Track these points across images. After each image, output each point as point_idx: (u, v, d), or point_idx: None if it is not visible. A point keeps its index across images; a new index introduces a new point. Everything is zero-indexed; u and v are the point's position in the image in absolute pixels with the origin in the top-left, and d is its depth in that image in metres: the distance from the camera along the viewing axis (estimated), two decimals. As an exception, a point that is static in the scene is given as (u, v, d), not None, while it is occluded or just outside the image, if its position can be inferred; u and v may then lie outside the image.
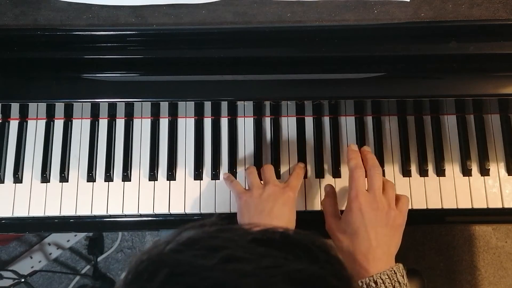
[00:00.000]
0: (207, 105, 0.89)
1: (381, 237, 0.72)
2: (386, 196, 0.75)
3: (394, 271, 0.69)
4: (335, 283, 0.35)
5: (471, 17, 0.71)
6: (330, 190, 0.83)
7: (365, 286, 0.69)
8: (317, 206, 0.87)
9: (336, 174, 0.88)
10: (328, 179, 0.88)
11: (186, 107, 0.89)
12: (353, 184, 0.76)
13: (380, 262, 0.70)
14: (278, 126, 0.90)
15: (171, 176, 0.88)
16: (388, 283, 0.68)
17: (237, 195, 0.83)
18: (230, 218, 0.85)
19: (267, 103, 0.88)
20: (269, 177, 0.83)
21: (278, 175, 0.87)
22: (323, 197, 0.84)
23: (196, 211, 0.87)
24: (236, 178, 0.87)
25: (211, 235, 0.38)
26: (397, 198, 0.77)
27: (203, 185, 0.88)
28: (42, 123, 0.90)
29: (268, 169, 0.84)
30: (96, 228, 0.91)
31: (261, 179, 0.85)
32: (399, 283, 0.69)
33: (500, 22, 0.71)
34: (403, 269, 0.71)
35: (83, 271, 1.59)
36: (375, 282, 0.68)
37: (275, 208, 0.78)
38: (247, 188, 0.85)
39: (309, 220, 0.85)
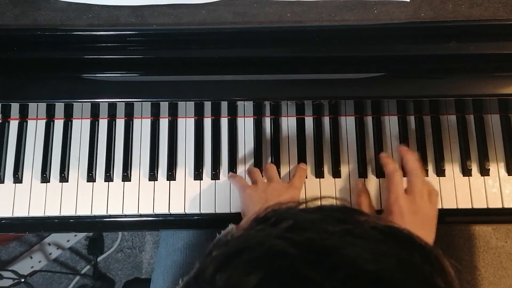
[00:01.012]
0: (207, 105, 0.89)
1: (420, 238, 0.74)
2: (419, 194, 0.77)
3: None
4: (441, 284, 0.36)
5: (471, 17, 0.71)
6: (363, 187, 0.84)
7: None
8: (317, 206, 0.86)
9: (336, 174, 0.88)
10: (328, 179, 0.88)
11: (186, 107, 0.89)
12: (393, 187, 0.77)
13: None
14: (278, 126, 0.90)
15: (171, 176, 0.88)
16: None
17: (240, 188, 0.84)
18: (230, 218, 0.85)
19: (267, 103, 0.88)
20: (273, 176, 0.84)
21: (278, 175, 0.87)
22: (355, 196, 0.85)
23: (196, 211, 0.87)
24: (236, 178, 0.88)
25: (338, 209, 0.40)
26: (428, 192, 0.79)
27: (203, 185, 0.88)
28: (42, 123, 0.90)
29: (271, 168, 0.85)
30: (96, 228, 0.91)
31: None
32: None
33: (500, 22, 0.71)
34: None
35: (83, 271, 1.59)
36: None
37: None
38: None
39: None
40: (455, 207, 0.86)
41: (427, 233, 0.76)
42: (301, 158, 0.88)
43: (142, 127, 0.90)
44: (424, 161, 0.87)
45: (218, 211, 0.86)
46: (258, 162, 0.88)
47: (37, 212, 0.87)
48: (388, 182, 0.79)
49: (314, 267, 0.32)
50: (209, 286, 0.35)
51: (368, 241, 0.36)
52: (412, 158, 0.81)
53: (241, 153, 0.89)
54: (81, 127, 0.90)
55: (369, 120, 0.90)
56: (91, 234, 1.57)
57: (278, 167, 0.88)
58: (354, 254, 0.33)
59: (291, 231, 0.35)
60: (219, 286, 0.34)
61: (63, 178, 0.88)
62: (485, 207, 0.86)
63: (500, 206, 0.86)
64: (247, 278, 0.32)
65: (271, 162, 0.88)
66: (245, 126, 0.90)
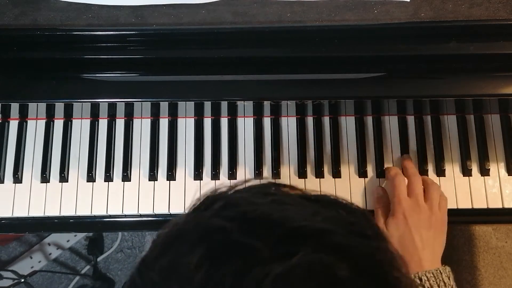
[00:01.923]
0: (207, 105, 0.89)
1: (425, 239, 0.75)
2: (428, 199, 0.79)
3: (440, 271, 0.72)
4: (368, 231, 0.38)
5: (471, 17, 0.71)
6: (383, 193, 0.84)
7: None
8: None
9: (336, 174, 0.88)
10: (328, 179, 0.88)
11: (186, 107, 0.89)
12: (395, 191, 0.79)
13: (427, 263, 0.74)
14: (278, 126, 0.90)
15: (171, 176, 0.88)
16: (433, 281, 0.71)
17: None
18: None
19: (267, 103, 0.88)
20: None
21: (278, 175, 0.87)
22: (374, 201, 0.85)
23: (196, 211, 0.87)
24: (236, 178, 0.88)
25: (266, 185, 0.43)
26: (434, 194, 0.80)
27: (203, 185, 0.88)
28: (42, 123, 0.90)
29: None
30: (96, 228, 0.91)
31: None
32: (444, 283, 0.71)
33: (500, 22, 0.71)
34: (450, 271, 0.74)
35: (83, 271, 1.59)
36: (420, 279, 0.71)
37: None
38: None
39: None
40: (455, 207, 0.86)
41: (434, 235, 0.77)
42: (301, 158, 0.88)
43: (142, 127, 0.90)
44: (424, 161, 0.87)
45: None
46: (258, 162, 0.88)
47: (37, 212, 0.87)
48: (391, 185, 0.81)
49: (249, 234, 0.34)
50: (152, 272, 0.36)
51: (295, 206, 0.39)
52: (410, 165, 0.84)
53: (241, 153, 0.89)
54: (81, 127, 0.90)
55: (369, 120, 0.90)
56: (91, 234, 1.57)
57: (278, 167, 0.88)
58: (283, 216, 0.36)
59: (223, 209, 0.38)
60: (162, 269, 0.36)
61: (63, 178, 0.88)
62: (485, 207, 0.86)
63: (500, 206, 0.86)
64: (189, 257, 0.34)
65: (271, 162, 0.88)
66: (245, 126, 0.90)
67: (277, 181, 0.87)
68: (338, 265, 0.33)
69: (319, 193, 0.42)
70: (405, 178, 0.81)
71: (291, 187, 0.43)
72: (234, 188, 0.42)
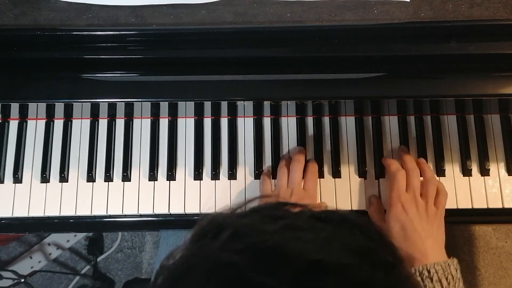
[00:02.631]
0: (207, 105, 0.89)
1: (427, 229, 0.76)
2: (425, 194, 0.80)
3: (448, 263, 0.73)
4: (388, 258, 0.37)
5: (471, 17, 0.71)
6: (375, 200, 0.85)
7: (417, 273, 0.71)
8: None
9: (336, 174, 0.88)
10: (328, 179, 0.88)
11: (186, 107, 0.89)
12: (395, 185, 0.80)
13: (434, 252, 0.74)
14: (278, 126, 0.90)
15: (171, 176, 0.88)
16: (441, 274, 0.71)
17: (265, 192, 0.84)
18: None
19: (267, 103, 0.88)
20: (297, 180, 0.83)
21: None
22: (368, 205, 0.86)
23: (196, 211, 0.87)
24: (236, 178, 0.88)
25: (274, 207, 0.40)
26: (436, 194, 0.81)
27: (203, 185, 0.88)
28: (42, 123, 0.90)
29: (297, 171, 0.84)
30: (96, 228, 0.91)
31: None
32: (452, 276, 0.72)
33: (500, 22, 0.71)
34: (457, 263, 0.74)
35: (83, 271, 1.59)
36: (428, 271, 0.71)
37: None
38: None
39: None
40: (455, 207, 0.86)
41: (432, 227, 0.77)
42: (301, 158, 0.88)
43: (142, 127, 0.90)
44: (424, 161, 0.87)
45: (218, 211, 0.86)
46: (258, 162, 0.88)
47: (37, 212, 0.87)
48: (391, 180, 0.81)
49: (263, 271, 0.32)
50: None
51: (309, 231, 0.36)
52: (410, 158, 0.84)
53: (241, 153, 0.89)
54: (81, 127, 0.90)
55: (369, 120, 0.90)
56: (91, 234, 1.57)
57: (277, 168, 0.87)
58: (298, 248, 0.34)
59: (232, 240, 0.36)
60: None
61: (63, 178, 0.88)
62: (485, 207, 0.86)
63: (500, 206, 0.86)
64: None
65: (271, 162, 0.88)
66: (245, 126, 0.90)
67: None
68: None
69: (326, 208, 0.41)
70: (404, 174, 0.81)
71: (300, 205, 0.41)
72: (239, 211, 0.39)
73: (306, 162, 0.86)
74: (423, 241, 0.75)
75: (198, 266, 0.35)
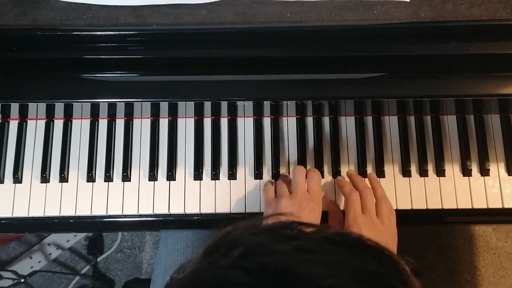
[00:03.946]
0: (207, 105, 0.89)
1: None
2: (379, 214, 0.79)
3: None
4: (399, 286, 0.36)
5: (471, 17, 0.71)
6: (335, 207, 0.84)
7: None
8: (317, 206, 0.86)
9: (336, 174, 0.88)
10: (328, 179, 0.88)
11: (186, 107, 0.89)
12: (351, 208, 0.79)
13: None
14: (278, 126, 0.90)
15: (171, 176, 0.88)
16: None
17: (266, 202, 0.83)
18: (230, 219, 0.85)
19: (267, 103, 0.88)
20: (301, 185, 0.82)
21: (278, 175, 0.87)
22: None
23: (196, 211, 0.87)
24: (236, 178, 0.88)
25: (288, 226, 0.40)
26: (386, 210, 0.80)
27: (203, 185, 0.88)
28: (42, 123, 0.90)
29: (300, 176, 0.82)
30: (96, 228, 0.91)
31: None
32: None
33: (500, 22, 0.71)
34: None
35: (83, 271, 1.59)
36: None
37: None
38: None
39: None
40: (455, 207, 0.86)
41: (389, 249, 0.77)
42: (301, 158, 0.88)
43: (142, 127, 0.90)
44: (424, 161, 0.87)
45: (218, 211, 0.86)
46: (258, 162, 0.88)
47: (37, 212, 0.87)
48: (346, 203, 0.81)
49: None
50: None
51: (321, 254, 0.36)
52: (359, 178, 0.84)
53: (241, 153, 0.89)
54: (81, 127, 0.90)
55: (369, 120, 0.90)
56: (91, 234, 1.57)
57: (278, 167, 0.88)
58: (309, 272, 0.33)
59: (243, 258, 0.35)
60: None
61: (63, 178, 0.88)
62: (485, 207, 0.86)
63: (500, 206, 0.86)
64: None
65: (271, 162, 0.88)
66: (245, 126, 0.90)
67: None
68: None
69: (340, 230, 0.40)
70: (359, 195, 0.81)
71: (314, 226, 0.40)
72: (252, 227, 0.39)
73: (307, 170, 0.85)
74: None
75: (207, 282, 0.35)
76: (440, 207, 0.86)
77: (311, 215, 0.78)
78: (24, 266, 1.55)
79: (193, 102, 0.88)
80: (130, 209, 0.87)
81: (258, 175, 0.88)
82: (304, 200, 0.79)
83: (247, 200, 0.87)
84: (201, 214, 0.87)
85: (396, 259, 0.39)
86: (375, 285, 0.35)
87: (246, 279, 0.33)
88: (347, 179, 0.86)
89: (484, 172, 0.87)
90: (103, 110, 0.90)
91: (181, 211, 0.87)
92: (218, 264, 0.36)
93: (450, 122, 0.90)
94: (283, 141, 0.89)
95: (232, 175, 0.88)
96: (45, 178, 0.88)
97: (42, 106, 0.89)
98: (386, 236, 0.78)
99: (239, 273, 0.34)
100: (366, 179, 0.86)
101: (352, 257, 0.36)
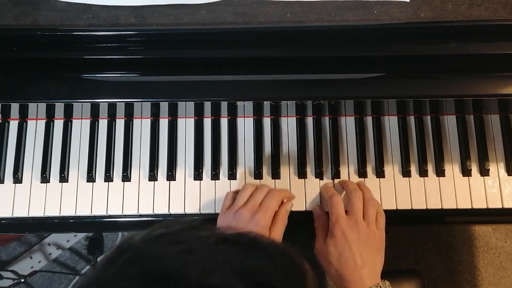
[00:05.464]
0: (207, 105, 0.89)
1: (365, 256, 0.76)
2: (366, 216, 0.79)
3: (380, 286, 0.74)
4: (283, 283, 0.37)
5: (471, 17, 0.71)
6: (321, 212, 0.84)
7: None
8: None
9: (336, 174, 0.88)
10: (328, 180, 0.88)
11: (186, 107, 0.89)
12: (333, 209, 0.80)
13: (368, 280, 0.74)
14: (278, 126, 0.90)
15: (171, 176, 0.88)
16: None
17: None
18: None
19: (267, 103, 0.88)
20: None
21: (278, 175, 0.87)
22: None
23: (196, 211, 0.87)
24: (236, 178, 0.88)
25: (178, 230, 0.40)
26: (375, 216, 0.80)
27: (203, 185, 0.88)
28: (42, 123, 0.90)
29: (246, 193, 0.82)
30: (96, 228, 0.91)
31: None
32: None
33: (500, 22, 0.71)
34: (389, 285, 0.75)
35: (83, 271, 1.58)
36: None
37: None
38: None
39: (309, 221, 0.85)
40: (455, 207, 0.86)
41: (373, 252, 0.77)
42: (301, 158, 0.88)
43: (142, 127, 0.90)
44: (424, 161, 0.87)
45: (218, 211, 0.86)
46: (258, 162, 0.88)
47: (37, 212, 0.87)
48: (329, 205, 0.81)
49: None
50: None
51: (205, 255, 0.37)
52: (350, 182, 0.85)
53: (241, 153, 0.89)
54: (81, 127, 0.90)
55: (369, 120, 0.90)
56: (91, 234, 1.57)
57: (278, 167, 0.88)
58: (185, 272, 0.34)
59: (128, 265, 0.36)
60: None
61: (63, 178, 0.88)
62: (485, 207, 0.86)
63: (500, 206, 0.86)
64: None
65: (271, 162, 0.88)
66: (245, 126, 0.90)
67: (276, 182, 0.87)
68: None
69: (239, 232, 0.40)
70: (341, 198, 0.81)
71: (210, 228, 0.41)
72: (148, 235, 0.40)
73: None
74: (359, 270, 0.74)
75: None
76: (440, 207, 0.86)
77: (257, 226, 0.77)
78: (24, 266, 1.55)
79: (193, 102, 0.88)
80: (130, 209, 0.87)
81: (258, 175, 0.88)
82: (250, 210, 0.78)
83: (247, 200, 0.87)
84: (201, 214, 0.87)
85: (289, 255, 0.40)
86: (252, 282, 0.35)
87: (128, 285, 0.34)
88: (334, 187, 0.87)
89: (484, 172, 0.87)
90: (103, 110, 0.90)
91: (181, 211, 0.87)
92: (105, 272, 0.37)
93: (450, 122, 0.90)
94: (283, 141, 0.89)
95: (232, 175, 0.88)
96: (45, 178, 0.88)
97: (42, 106, 0.89)
98: (371, 237, 0.78)
99: (124, 282, 0.35)
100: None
101: (240, 255, 0.37)
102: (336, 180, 0.87)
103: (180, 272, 0.35)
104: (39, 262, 1.57)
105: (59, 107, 0.89)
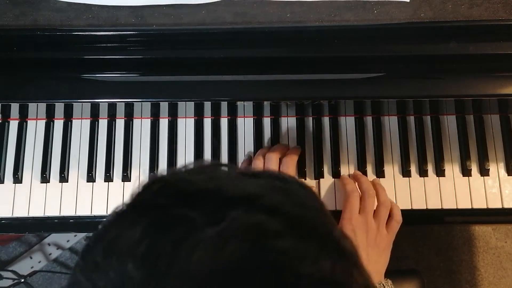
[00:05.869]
0: (207, 105, 0.89)
1: (371, 257, 0.76)
2: (377, 217, 0.79)
3: (383, 284, 0.74)
4: (291, 212, 0.38)
5: (471, 17, 0.71)
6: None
7: None
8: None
9: (336, 174, 0.88)
10: (328, 179, 0.88)
11: (186, 107, 0.89)
12: (348, 207, 0.79)
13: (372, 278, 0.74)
14: (278, 126, 0.90)
15: (171, 176, 0.88)
16: None
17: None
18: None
19: (267, 103, 0.88)
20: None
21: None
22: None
23: (196, 211, 0.87)
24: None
25: (206, 166, 0.43)
26: (389, 218, 0.80)
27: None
28: (42, 123, 0.90)
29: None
30: (96, 228, 0.91)
31: None
32: None
33: (500, 22, 0.71)
34: (391, 284, 0.75)
35: (83, 271, 1.58)
36: None
37: None
38: None
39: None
40: (455, 207, 0.86)
41: (378, 253, 0.77)
42: (301, 158, 0.88)
43: (142, 127, 0.90)
44: (424, 161, 0.87)
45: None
46: (258, 162, 0.88)
47: (37, 212, 0.87)
48: (345, 200, 0.81)
49: (187, 207, 0.35)
50: (95, 253, 0.36)
51: (232, 179, 0.40)
52: (365, 180, 0.84)
53: (241, 153, 0.89)
54: (81, 127, 0.90)
55: (369, 120, 0.90)
56: (91, 234, 1.56)
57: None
58: (218, 187, 0.37)
59: (162, 190, 0.39)
60: (104, 249, 0.36)
61: (63, 178, 0.88)
62: (485, 207, 0.86)
63: (500, 206, 0.86)
64: (130, 233, 0.35)
65: (271, 162, 0.88)
66: (245, 126, 0.90)
67: None
68: (269, 221, 0.34)
69: (261, 171, 0.43)
70: (359, 196, 0.81)
71: (231, 166, 0.44)
72: (173, 171, 0.43)
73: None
74: None
75: (129, 211, 0.38)
76: (440, 207, 0.86)
77: None
78: (24, 266, 1.55)
79: (193, 102, 0.88)
80: (130, 209, 0.87)
81: (258, 175, 0.87)
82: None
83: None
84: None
85: (307, 187, 0.42)
86: (280, 195, 0.38)
87: (165, 201, 0.36)
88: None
89: (484, 172, 0.87)
90: (103, 110, 0.90)
91: (181, 211, 0.87)
92: (139, 197, 0.39)
93: (449, 122, 0.90)
94: (282, 141, 0.89)
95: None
96: (45, 178, 0.88)
97: (42, 106, 0.89)
98: (379, 239, 0.78)
99: (159, 199, 0.37)
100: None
101: (265, 181, 0.40)
102: (337, 180, 0.87)
103: (214, 187, 0.37)
104: (39, 262, 1.57)
105: (59, 107, 0.89)
